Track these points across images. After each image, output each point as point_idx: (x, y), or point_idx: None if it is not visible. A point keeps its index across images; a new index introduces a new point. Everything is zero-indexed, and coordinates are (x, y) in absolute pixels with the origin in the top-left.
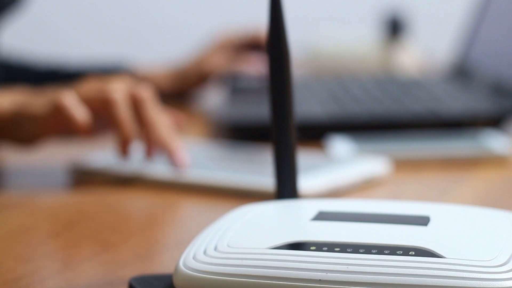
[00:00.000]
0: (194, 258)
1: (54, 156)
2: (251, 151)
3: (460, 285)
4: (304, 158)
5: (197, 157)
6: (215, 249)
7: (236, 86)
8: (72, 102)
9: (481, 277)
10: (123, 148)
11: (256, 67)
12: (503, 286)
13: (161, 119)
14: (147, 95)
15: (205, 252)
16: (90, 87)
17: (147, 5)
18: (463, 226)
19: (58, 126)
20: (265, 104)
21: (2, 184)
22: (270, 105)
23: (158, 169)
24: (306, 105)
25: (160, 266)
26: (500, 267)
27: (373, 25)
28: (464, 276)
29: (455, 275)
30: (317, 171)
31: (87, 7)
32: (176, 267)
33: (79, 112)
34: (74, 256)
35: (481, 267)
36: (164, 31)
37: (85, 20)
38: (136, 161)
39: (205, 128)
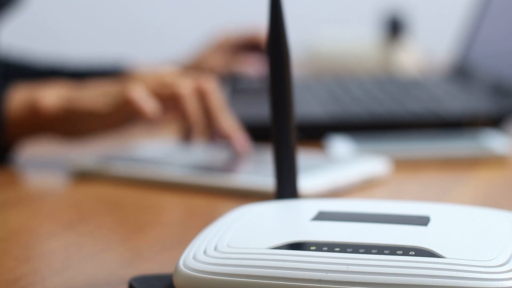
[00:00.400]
0: (194, 258)
1: (54, 156)
2: (251, 151)
3: (460, 285)
4: (304, 158)
5: (197, 157)
6: (215, 249)
7: (236, 86)
8: (141, 95)
9: (481, 277)
10: (189, 136)
11: (254, 67)
12: (503, 286)
13: (224, 109)
14: (211, 87)
15: (205, 252)
16: (155, 81)
17: (146, 5)
18: (463, 226)
19: (124, 119)
20: (265, 104)
21: (2, 184)
22: (270, 105)
23: (159, 170)
24: (306, 105)
25: (160, 266)
26: (500, 267)
27: (373, 25)
28: (464, 276)
29: (455, 275)
30: (317, 171)
31: (87, 7)
32: (176, 267)
33: (149, 104)
34: (74, 256)
35: (481, 267)
36: (163, 31)
37: (85, 20)
38: (139, 162)
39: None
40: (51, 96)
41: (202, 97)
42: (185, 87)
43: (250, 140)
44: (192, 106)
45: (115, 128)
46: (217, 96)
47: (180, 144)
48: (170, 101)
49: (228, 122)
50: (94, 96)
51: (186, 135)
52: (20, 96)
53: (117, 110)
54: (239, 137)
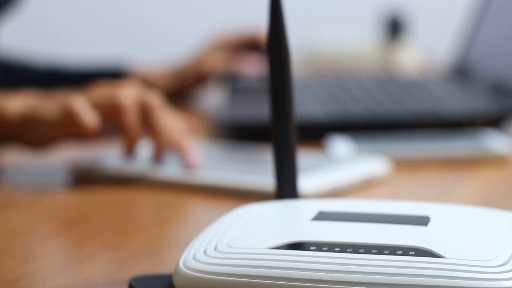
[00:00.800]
0: (194, 258)
1: (54, 156)
2: (251, 151)
3: (460, 285)
4: (304, 158)
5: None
6: (215, 249)
7: (236, 86)
8: (82, 107)
9: (481, 277)
10: (128, 151)
11: (254, 67)
12: (503, 286)
13: (171, 124)
14: (156, 102)
15: (205, 252)
16: (100, 92)
17: (146, 5)
18: (463, 226)
19: (68, 130)
20: (265, 104)
21: (2, 184)
22: (270, 105)
23: (159, 169)
24: (306, 105)
25: (160, 266)
26: (500, 267)
27: (373, 25)
28: (464, 276)
29: (455, 275)
30: (317, 171)
31: (87, 7)
32: (176, 267)
33: (88, 116)
34: (74, 256)
35: (481, 267)
36: (163, 31)
37: (85, 20)
38: (138, 161)
39: (205, 128)
40: (14, 104)
41: (145, 111)
42: (127, 98)
43: (199, 153)
44: (131, 118)
45: (61, 139)
46: (163, 111)
47: (122, 158)
48: (111, 114)
49: (176, 133)
50: (51, 106)
51: (126, 148)
52: None
53: (60, 121)
54: (189, 150)
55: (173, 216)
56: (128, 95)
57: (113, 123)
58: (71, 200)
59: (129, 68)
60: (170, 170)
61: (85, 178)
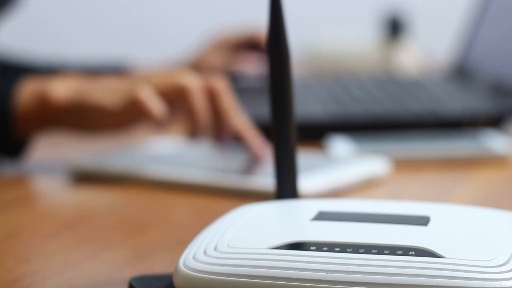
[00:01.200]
0: (194, 258)
1: (54, 156)
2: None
3: (460, 285)
4: (304, 158)
5: (197, 157)
6: (215, 249)
7: (236, 86)
8: (148, 95)
9: (481, 277)
10: (195, 133)
11: (254, 66)
12: (503, 286)
13: (237, 109)
14: (222, 86)
15: (205, 252)
16: (161, 78)
17: (146, 5)
18: (463, 226)
19: (131, 119)
20: (265, 104)
21: (2, 184)
22: (270, 105)
23: (158, 169)
24: (306, 105)
25: (160, 266)
26: (500, 267)
27: (373, 25)
28: (464, 276)
29: (455, 275)
30: (317, 171)
31: (87, 7)
32: (176, 267)
33: (156, 105)
34: (74, 256)
35: (481, 267)
36: (163, 31)
37: (85, 20)
38: (139, 162)
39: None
40: (61, 88)
41: (212, 95)
42: (194, 83)
43: (266, 142)
44: (199, 101)
45: (122, 127)
46: (228, 95)
47: (187, 141)
48: (177, 99)
49: (241, 122)
50: (103, 91)
51: (193, 132)
52: (30, 89)
53: (124, 110)
54: (255, 139)
55: (173, 216)
56: (193, 79)
57: (179, 107)
58: (70, 200)
59: (129, 68)
60: (170, 170)
61: (85, 178)
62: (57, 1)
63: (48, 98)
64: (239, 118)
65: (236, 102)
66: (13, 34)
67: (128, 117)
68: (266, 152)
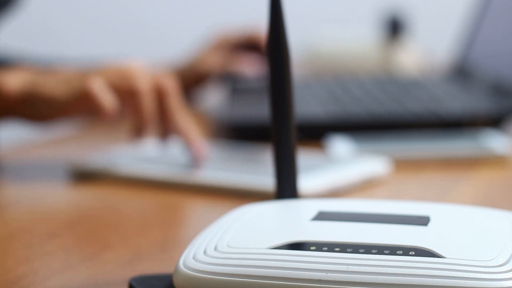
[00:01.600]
0: (194, 258)
1: (54, 156)
2: (251, 151)
3: (460, 285)
4: (304, 158)
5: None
6: (215, 249)
7: (236, 86)
8: (100, 88)
9: (481, 277)
10: (138, 134)
11: (253, 67)
12: (503, 286)
13: (182, 109)
14: (171, 86)
15: (205, 252)
16: (116, 74)
17: (146, 5)
18: (463, 226)
19: (81, 109)
20: (265, 104)
21: (2, 184)
22: (270, 105)
23: (158, 169)
24: (306, 105)
25: (160, 266)
26: (500, 267)
27: (373, 25)
28: (464, 276)
29: (455, 275)
30: (317, 171)
31: (87, 7)
32: (176, 267)
33: (106, 98)
34: (74, 256)
35: (481, 267)
36: (163, 31)
37: (85, 20)
38: (139, 162)
39: (205, 128)
40: (13, 80)
41: (160, 96)
42: (144, 84)
43: (207, 144)
44: (147, 104)
45: (72, 116)
46: (175, 96)
47: (130, 140)
48: (127, 97)
49: (184, 122)
50: (55, 82)
51: (137, 132)
52: None
53: (74, 100)
54: (196, 139)
55: (173, 216)
56: (144, 78)
57: (128, 105)
58: (70, 200)
59: None
60: (170, 170)
61: (85, 178)
62: (57, 1)
63: (1, 89)
64: (183, 118)
65: (182, 102)
66: (13, 35)
67: (77, 107)
68: (205, 153)
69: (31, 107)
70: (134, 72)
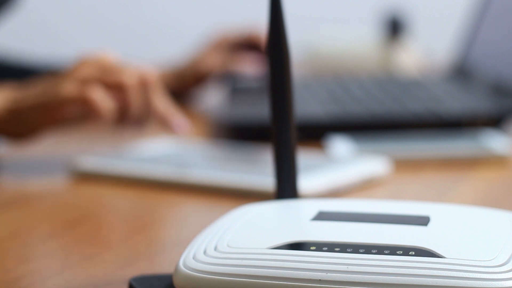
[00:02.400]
0: (194, 258)
1: (54, 156)
2: (251, 151)
3: (460, 285)
4: (304, 158)
5: (197, 157)
6: (215, 249)
7: (235, 86)
8: (100, 96)
9: (481, 277)
10: (123, 123)
11: (252, 66)
12: (503, 286)
13: (162, 95)
14: (155, 78)
15: (205, 252)
16: (99, 67)
17: (146, 5)
18: (463, 226)
19: (67, 114)
20: (265, 104)
21: (2, 184)
22: (270, 105)
23: (158, 169)
24: (306, 105)
25: (160, 266)
26: (500, 267)
27: (373, 25)
28: (464, 276)
29: (455, 275)
30: (317, 171)
31: (87, 7)
32: (176, 267)
33: (107, 104)
34: (74, 256)
35: (481, 267)
36: (163, 31)
37: (85, 20)
38: (139, 162)
39: (205, 128)
40: None
41: (144, 87)
42: (130, 76)
43: (186, 120)
44: (134, 96)
45: (59, 124)
46: (159, 87)
47: (111, 126)
48: (114, 90)
49: (164, 105)
50: (38, 91)
51: (121, 120)
52: None
53: (58, 105)
54: (175, 116)
55: (173, 216)
56: (129, 72)
57: (113, 97)
58: (70, 200)
59: None
60: (170, 170)
61: (85, 178)
62: (57, 1)
63: None
64: (162, 101)
65: (166, 92)
66: (13, 35)
67: (69, 112)
68: (185, 128)
69: (15, 125)
70: (116, 65)
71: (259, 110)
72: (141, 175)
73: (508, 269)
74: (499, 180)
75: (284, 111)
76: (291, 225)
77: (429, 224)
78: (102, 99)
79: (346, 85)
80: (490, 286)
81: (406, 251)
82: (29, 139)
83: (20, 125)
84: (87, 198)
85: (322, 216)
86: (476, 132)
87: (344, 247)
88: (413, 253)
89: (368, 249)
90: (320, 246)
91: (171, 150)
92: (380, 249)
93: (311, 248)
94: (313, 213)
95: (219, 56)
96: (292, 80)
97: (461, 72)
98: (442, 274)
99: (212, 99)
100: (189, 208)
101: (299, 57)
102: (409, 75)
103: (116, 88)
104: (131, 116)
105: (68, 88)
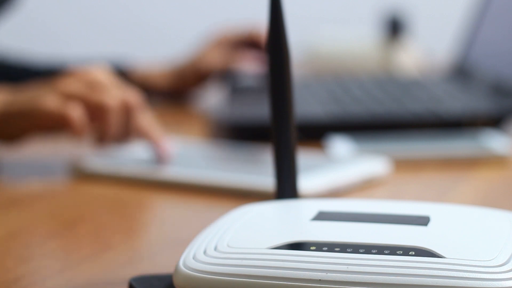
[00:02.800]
0: (194, 258)
1: (54, 156)
2: (251, 151)
3: (460, 285)
4: (304, 158)
5: (197, 157)
6: (215, 249)
7: (235, 86)
8: (78, 113)
9: (481, 277)
10: (101, 144)
11: (253, 65)
12: (503, 286)
13: (145, 110)
14: (138, 102)
15: (205, 252)
16: (82, 83)
17: (146, 5)
18: (463, 226)
19: (50, 124)
20: (265, 104)
21: (2, 184)
22: (270, 105)
23: (158, 169)
24: (306, 105)
25: (160, 266)
26: (500, 267)
27: (373, 25)
28: (464, 276)
29: (455, 275)
30: (317, 171)
31: (87, 7)
32: (176, 267)
33: (78, 117)
34: (74, 256)
35: (481, 267)
36: (163, 31)
37: (85, 20)
38: (139, 162)
39: (205, 128)
40: None
41: (127, 110)
42: (113, 98)
43: (171, 142)
44: (115, 119)
45: (46, 131)
46: (142, 111)
47: (92, 147)
48: (95, 109)
49: (149, 122)
50: (25, 98)
51: (100, 140)
52: None
53: (44, 116)
54: (160, 139)
55: (173, 216)
56: (113, 93)
57: (95, 120)
58: (70, 200)
59: (129, 68)
60: (170, 170)
61: (85, 178)
62: (57, 1)
63: None
64: (146, 118)
65: (151, 115)
66: (13, 34)
67: (47, 122)
68: (169, 151)
69: (6, 127)
70: (103, 84)
71: (259, 110)
72: (141, 175)
73: (508, 269)
74: (499, 180)
75: (284, 111)
76: (291, 225)
77: (429, 224)
78: (79, 117)
79: (346, 85)
80: (490, 286)
81: (406, 251)
82: (16, 142)
83: (9, 128)
84: (87, 198)
85: (322, 216)
86: (476, 132)
87: (344, 247)
88: (413, 253)
89: (368, 249)
90: (320, 246)
91: (171, 150)
92: (380, 249)
93: (311, 248)
94: (313, 213)
95: (220, 54)
96: (292, 80)
97: (461, 72)
98: (442, 274)
99: (212, 98)
100: (189, 208)
101: (299, 57)
102: (409, 75)
103: (97, 108)
104: (110, 137)
105: (49, 102)
